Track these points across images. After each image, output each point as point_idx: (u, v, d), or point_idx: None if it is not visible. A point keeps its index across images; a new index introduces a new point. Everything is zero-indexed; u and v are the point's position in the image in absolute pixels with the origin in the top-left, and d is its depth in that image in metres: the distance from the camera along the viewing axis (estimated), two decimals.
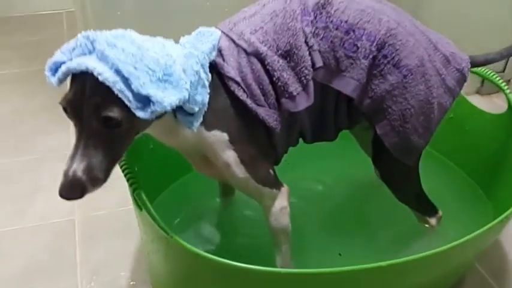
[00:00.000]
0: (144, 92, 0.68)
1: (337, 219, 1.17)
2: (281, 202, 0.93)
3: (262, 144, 0.90)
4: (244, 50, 0.85)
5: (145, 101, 0.70)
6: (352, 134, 1.10)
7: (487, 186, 1.19)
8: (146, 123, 0.76)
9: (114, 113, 0.69)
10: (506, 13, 1.57)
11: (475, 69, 1.11)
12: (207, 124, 0.84)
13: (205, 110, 0.82)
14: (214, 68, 0.84)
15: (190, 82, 0.75)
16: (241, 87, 0.84)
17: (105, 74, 0.67)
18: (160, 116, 0.77)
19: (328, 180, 1.27)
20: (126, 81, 0.68)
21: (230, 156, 0.86)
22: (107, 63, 0.68)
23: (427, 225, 1.06)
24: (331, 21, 0.86)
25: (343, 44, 0.86)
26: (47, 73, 0.73)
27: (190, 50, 0.78)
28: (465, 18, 1.53)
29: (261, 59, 0.85)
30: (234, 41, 0.86)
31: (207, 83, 0.79)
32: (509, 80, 1.71)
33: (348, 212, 1.19)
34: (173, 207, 1.16)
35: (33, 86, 1.77)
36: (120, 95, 0.68)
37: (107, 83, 0.68)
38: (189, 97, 0.75)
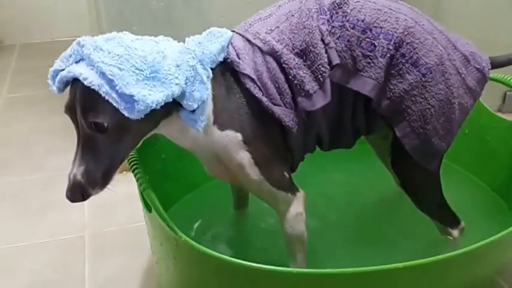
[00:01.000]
0: (127, 91, 0.69)
1: (355, 232, 1.13)
2: (296, 208, 0.90)
3: (277, 146, 0.88)
4: (260, 49, 0.85)
5: (132, 100, 0.69)
6: (370, 143, 1.08)
7: (510, 197, 1.15)
8: (149, 124, 0.76)
9: (100, 118, 0.70)
10: None
11: (497, 76, 1.09)
12: (220, 124, 0.83)
13: (219, 109, 0.81)
14: (228, 67, 0.83)
15: (186, 78, 0.74)
16: (257, 85, 0.83)
17: (90, 78, 0.69)
18: (166, 116, 0.77)
19: (346, 193, 1.25)
20: (111, 82, 0.68)
21: (244, 157, 0.84)
22: (93, 67, 0.69)
23: (449, 237, 1.01)
24: (348, 20, 0.85)
25: (360, 43, 0.84)
26: (49, 81, 0.76)
27: (186, 46, 0.78)
28: (485, 22, 1.52)
29: (277, 58, 0.84)
30: (249, 41, 0.86)
31: (205, 79, 0.78)
32: None
33: (367, 225, 1.16)
34: (185, 219, 1.14)
35: (49, 107, 1.81)
36: (107, 97, 0.69)
37: (93, 87, 0.69)
38: (186, 93, 0.74)
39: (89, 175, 0.72)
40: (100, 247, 1.19)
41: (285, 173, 0.90)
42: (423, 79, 0.85)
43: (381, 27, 0.84)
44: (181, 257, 0.81)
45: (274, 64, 0.84)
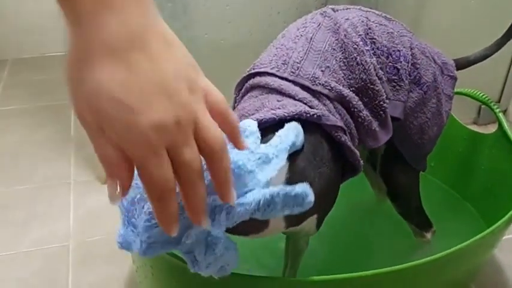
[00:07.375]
0: None
1: (333, 241, 1.16)
2: None
3: (335, 196, 0.82)
4: (326, 96, 0.78)
5: None
6: None
7: (480, 206, 1.22)
8: None
9: None
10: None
11: (470, 92, 1.16)
12: None
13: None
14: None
15: None
16: (347, 136, 0.78)
17: None
18: None
19: None
20: None
21: (313, 218, 0.78)
22: None
23: (423, 239, 1.07)
24: (377, 48, 0.83)
25: (386, 68, 0.84)
26: None
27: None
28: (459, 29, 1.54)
29: (345, 103, 0.79)
30: (308, 88, 0.77)
31: None
32: (505, 110, 1.73)
33: (345, 233, 1.19)
34: None
35: (37, 120, 1.83)
36: None
37: None
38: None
39: None
40: (84, 256, 1.21)
41: None
42: (424, 96, 0.89)
43: (399, 51, 0.85)
44: (157, 266, 0.83)
45: (343, 110, 0.79)
